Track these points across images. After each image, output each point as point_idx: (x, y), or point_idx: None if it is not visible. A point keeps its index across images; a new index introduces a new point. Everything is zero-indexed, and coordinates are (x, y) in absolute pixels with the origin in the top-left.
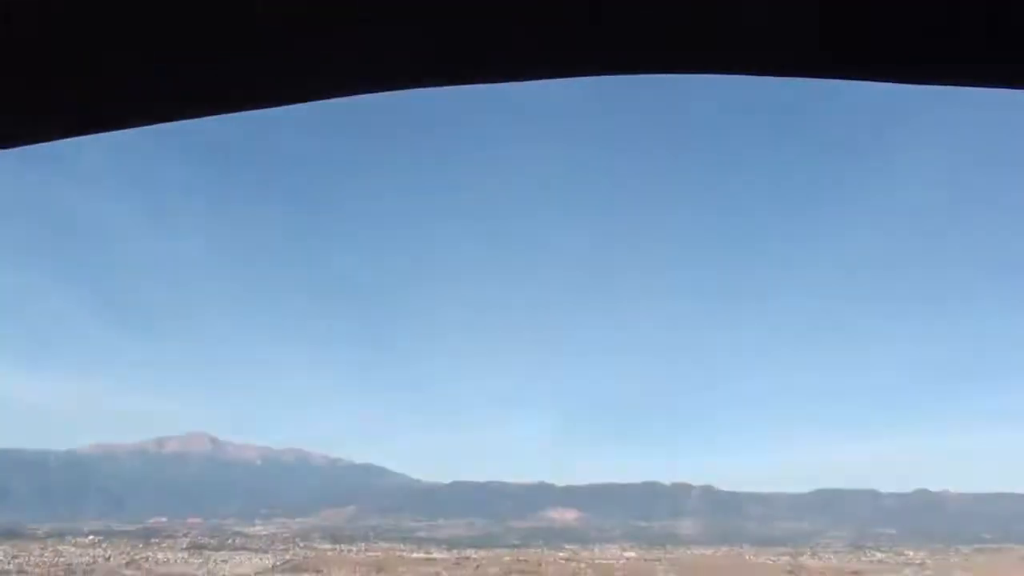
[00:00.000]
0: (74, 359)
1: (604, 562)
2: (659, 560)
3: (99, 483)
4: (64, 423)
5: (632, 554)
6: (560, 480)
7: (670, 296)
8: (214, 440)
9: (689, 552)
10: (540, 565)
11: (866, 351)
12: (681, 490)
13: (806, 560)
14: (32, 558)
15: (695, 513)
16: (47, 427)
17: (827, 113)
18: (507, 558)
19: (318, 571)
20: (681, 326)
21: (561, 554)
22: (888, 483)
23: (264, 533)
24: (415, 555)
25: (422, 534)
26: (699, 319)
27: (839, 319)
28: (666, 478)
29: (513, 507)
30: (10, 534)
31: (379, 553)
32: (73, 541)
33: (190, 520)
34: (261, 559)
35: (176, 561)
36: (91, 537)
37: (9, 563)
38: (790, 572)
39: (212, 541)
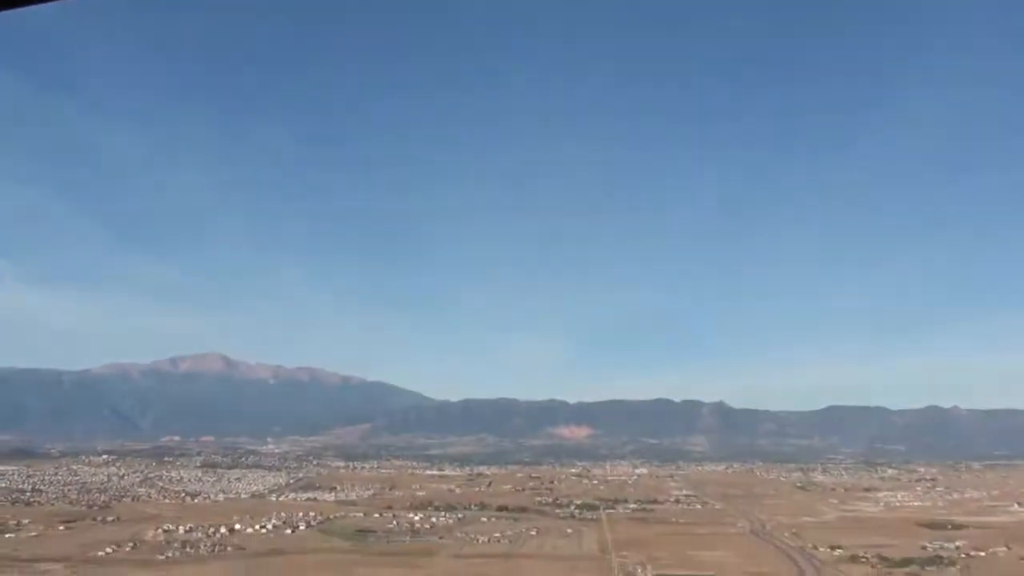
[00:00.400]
0: (89, 280)
1: (616, 478)
2: (671, 476)
3: (113, 402)
4: (79, 343)
5: (643, 471)
6: (571, 398)
7: (682, 215)
8: (227, 360)
9: (700, 468)
10: (552, 481)
11: (878, 271)
12: (692, 407)
13: (817, 476)
14: (47, 477)
15: (706, 430)
16: (62, 347)
17: (851, 33)
18: (519, 475)
19: (331, 488)
20: (693, 246)
21: (573, 470)
22: (898, 400)
23: (277, 451)
24: (428, 472)
25: (434, 451)
26: (712, 239)
27: (851, 239)
28: (677, 396)
29: (524, 424)
30: (25, 454)
31: (392, 470)
32: (87, 460)
33: (203, 439)
34: (274, 477)
35: (190, 479)
36: (105, 456)
37: (24, 481)
38: (801, 488)
39: (225, 459)
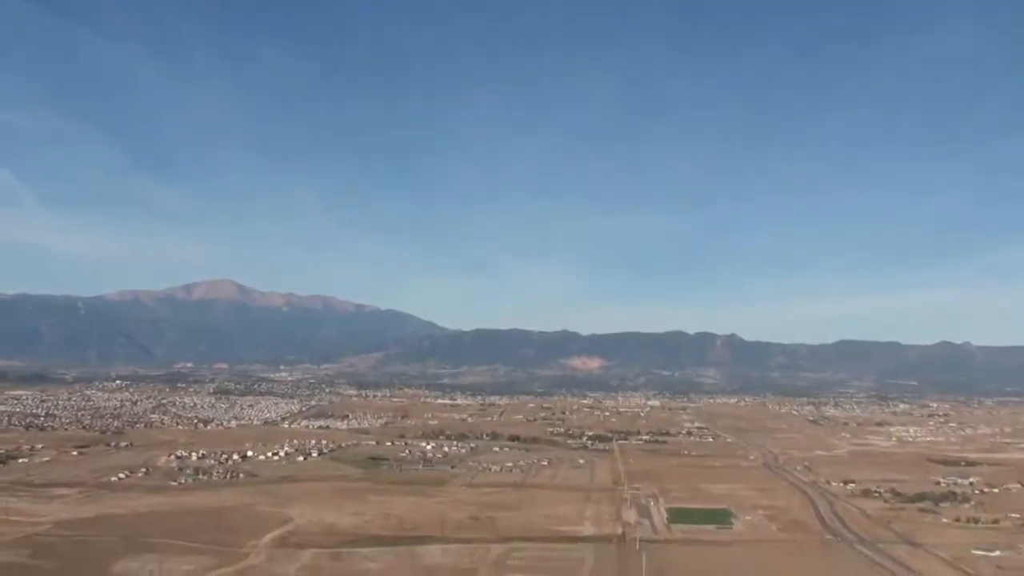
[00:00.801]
0: (104, 205)
1: (628, 410)
2: (683, 409)
3: (127, 329)
4: (92, 270)
5: (655, 403)
6: (584, 329)
7: (696, 143)
8: (240, 287)
9: (712, 401)
10: (564, 412)
11: (892, 202)
12: (705, 340)
13: (829, 410)
14: (61, 402)
15: (718, 363)
16: (76, 274)
17: None
18: (531, 405)
19: (344, 416)
20: (707, 174)
21: (585, 402)
22: (911, 335)
23: (290, 379)
24: (440, 401)
25: (447, 381)
26: (726, 168)
27: (865, 168)
28: (690, 328)
29: (537, 355)
30: (40, 379)
31: (404, 399)
32: (101, 386)
33: (216, 366)
34: (287, 404)
35: (202, 406)
36: (118, 382)
37: (38, 406)
38: (813, 421)
39: (238, 386)
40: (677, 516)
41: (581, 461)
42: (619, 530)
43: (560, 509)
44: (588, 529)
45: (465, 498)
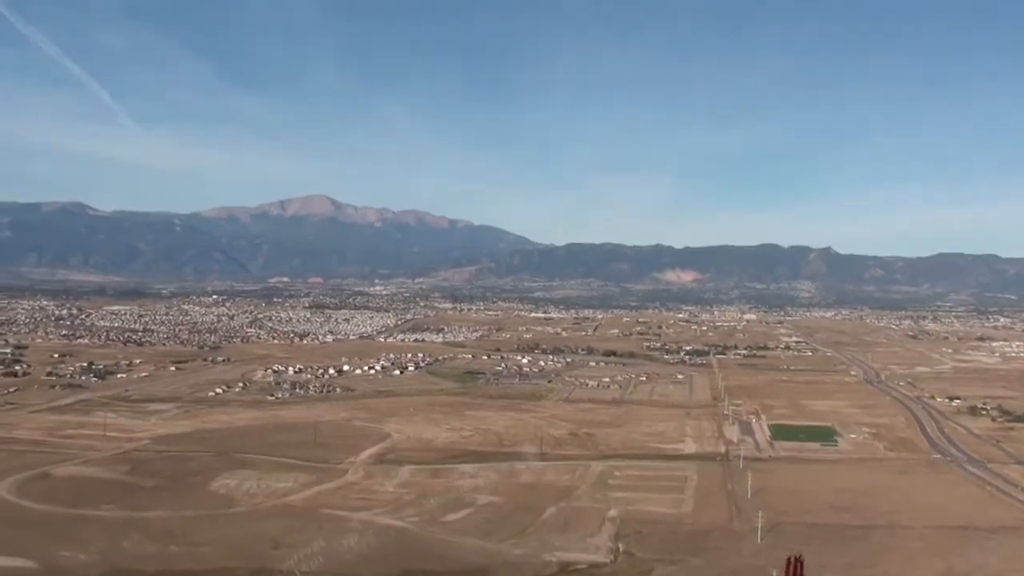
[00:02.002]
0: (198, 123)
1: (724, 324)
2: (780, 323)
3: (222, 245)
4: (188, 187)
5: (751, 316)
6: (677, 242)
7: (794, 50)
8: (334, 202)
9: (808, 314)
10: (660, 326)
11: (992, 112)
12: (799, 253)
13: (928, 324)
14: (158, 317)
15: (813, 276)
16: (172, 191)
17: None
18: (626, 319)
19: (439, 330)
20: (803, 83)
21: (680, 315)
22: (1009, 248)
23: (384, 293)
24: (534, 315)
25: (539, 295)
26: (823, 76)
27: (965, 77)
28: (784, 240)
29: (629, 269)
30: (138, 294)
31: (498, 312)
32: (198, 301)
33: (311, 280)
34: (382, 318)
35: (298, 320)
36: (215, 297)
37: (136, 322)
38: (913, 336)
39: (333, 301)
40: (780, 433)
41: (679, 376)
42: (722, 448)
43: (660, 426)
44: (690, 447)
45: (563, 414)
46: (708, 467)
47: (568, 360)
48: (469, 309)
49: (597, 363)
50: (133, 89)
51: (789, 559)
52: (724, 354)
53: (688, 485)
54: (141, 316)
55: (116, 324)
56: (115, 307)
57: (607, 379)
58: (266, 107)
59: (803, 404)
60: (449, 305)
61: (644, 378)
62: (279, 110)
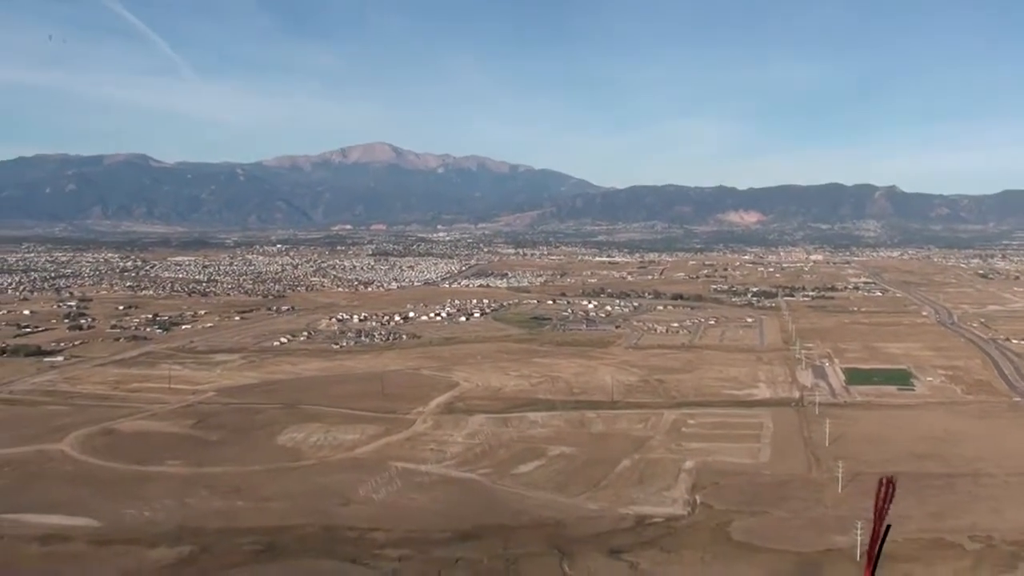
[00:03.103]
0: (258, 73)
1: (790, 265)
2: (847, 263)
3: (285, 194)
4: (250, 136)
5: (818, 257)
6: (740, 183)
7: None
8: (396, 149)
9: (875, 254)
10: (726, 268)
11: None
12: (863, 192)
13: (997, 263)
14: (222, 267)
15: (878, 215)
16: (234, 141)
17: None
18: (691, 262)
19: (503, 275)
20: (868, 18)
21: (746, 257)
22: None
23: (447, 239)
24: (598, 259)
25: (602, 238)
26: (888, 11)
27: None
28: (848, 179)
29: (693, 211)
30: (201, 244)
31: (562, 257)
32: (261, 250)
33: (374, 227)
34: (446, 264)
35: (362, 268)
36: (278, 246)
37: (200, 272)
38: (983, 276)
39: (396, 248)
40: (855, 377)
41: (748, 319)
42: (796, 393)
43: (732, 371)
44: (763, 392)
45: (632, 360)
46: (783, 414)
47: (635, 304)
48: (532, 254)
49: (665, 307)
50: (195, 41)
51: (881, 480)
52: (792, 296)
53: (764, 433)
54: (205, 267)
55: (180, 275)
56: (179, 258)
57: (676, 324)
58: (327, 56)
59: (876, 347)
60: (512, 250)
61: (713, 322)
62: (340, 59)
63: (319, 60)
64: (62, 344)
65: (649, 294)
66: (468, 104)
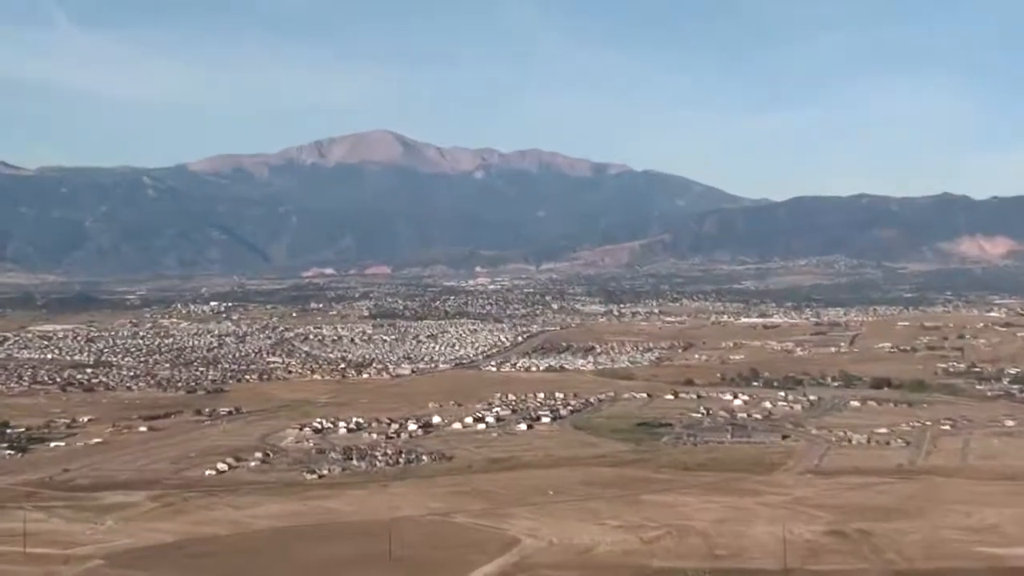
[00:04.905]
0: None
1: None
2: None
3: (224, 216)
4: (165, 122)
5: None
6: (976, 190)
7: None
8: (405, 142)
9: None
10: (962, 335)
11: None
12: None
13: None
14: (119, 341)
15: None
16: (137, 130)
17: None
18: (901, 323)
19: (587, 349)
20: None
21: (993, 315)
22: None
23: (491, 289)
24: (744, 319)
25: (749, 284)
26: None
27: None
28: None
29: (897, 236)
30: (86, 302)
31: (684, 317)
32: (185, 311)
33: (371, 271)
34: (491, 331)
35: (353, 339)
36: (213, 304)
37: (83, 350)
38: None
39: (409, 305)
40: None
41: (1009, 423)
42: None
43: (988, 514)
44: None
45: (813, 496)
46: None
47: (812, 398)
48: (634, 313)
49: (862, 402)
50: None
51: None
52: None
53: None
54: (91, 341)
55: (50, 355)
56: (48, 327)
57: (883, 430)
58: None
59: None
60: (600, 307)
61: (947, 427)
62: None
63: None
64: None
65: (834, 380)
66: (525, 68)
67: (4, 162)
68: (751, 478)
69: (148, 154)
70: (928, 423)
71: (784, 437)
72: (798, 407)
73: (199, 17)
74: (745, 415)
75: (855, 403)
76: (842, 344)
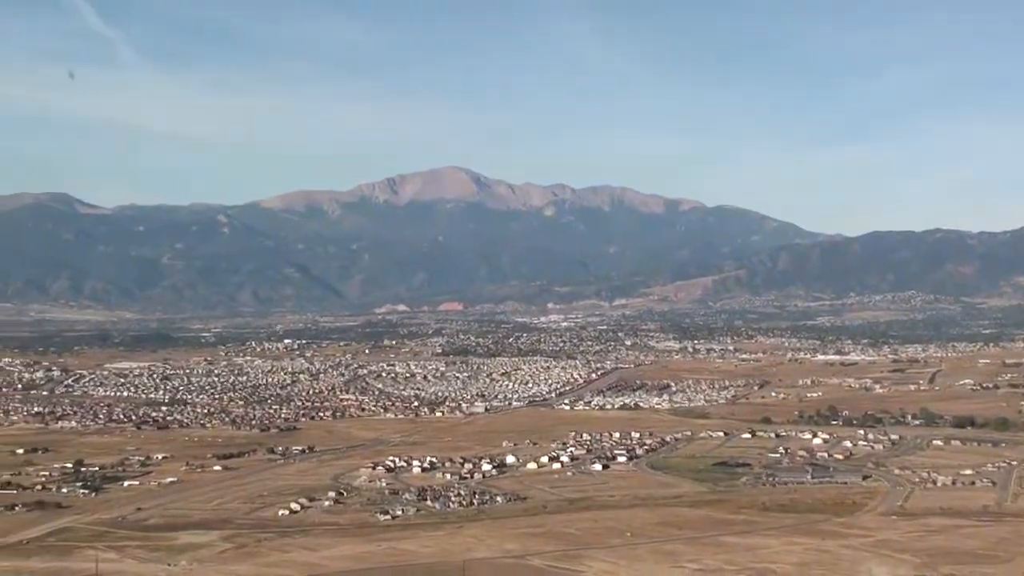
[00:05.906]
0: (242, 56)
1: None
2: None
3: (297, 253)
4: (239, 160)
5: None
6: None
7: None
8: (478, 179)
9: None
10: None
11: None
12: None
13: None
14: (194, 379)
15: None
16: (212, 169)
17: None
18: (984, 360)
19: (662, 387)
20: None
21: None
22: None
23: (564, 326)
24: (821, 356)
25: (824, 320)
26: None
27: None
28: None
29: (979, 272)
30: (161, 339)
31: (760, 355)
32: (259, 349)
33: (444, 307)
34: (565, 369)
35: (427, 376)
36: (287, 341)
37: (157, 388)
38: None
39: (482, 342)
40: None
41: None
42: None
43: None
44: None
45: (897, 539)
46: None
47: (893, 437)
48: (708, 350)
49: (944, 441)
50: (127, 17)
51: None
52: None
53: None
54: (166, 379)
55: (125, 393)
56: (123, 364)
57: (967, 470)
58: (356, 26)
59: None
60: (675, 344)
61: None
62: (378, 30)
63: (343, 33)
64: None
65: (915, 418)
66: (596, 103)
67: (82, 201)
68: (833, 520)
69: (222, 191)
70: (1014, 463)
71: (865, 477)
72: (879, 446)
73: (271, 56)
74: (825, 454)
75: (938, 442)
76: (921, 382)
